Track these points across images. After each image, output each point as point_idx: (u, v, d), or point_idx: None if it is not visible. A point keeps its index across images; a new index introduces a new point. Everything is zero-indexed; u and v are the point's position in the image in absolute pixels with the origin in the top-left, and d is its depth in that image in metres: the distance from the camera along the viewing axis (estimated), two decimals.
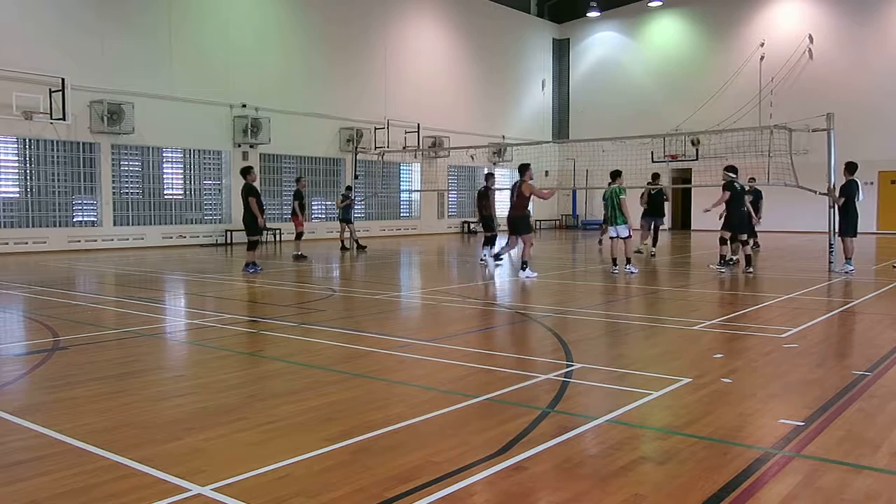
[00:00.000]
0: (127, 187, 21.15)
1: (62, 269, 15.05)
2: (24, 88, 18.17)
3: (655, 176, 18.36)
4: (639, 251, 16.88)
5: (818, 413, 4.57)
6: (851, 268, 13.10)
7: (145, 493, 3.34)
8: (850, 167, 13.24)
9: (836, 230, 13.31)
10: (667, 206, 18.23)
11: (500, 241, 15.41)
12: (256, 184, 14.09)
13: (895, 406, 4.75)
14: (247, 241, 13.91)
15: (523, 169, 12.85)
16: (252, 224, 13.59)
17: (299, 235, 17.60)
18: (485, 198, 15.73)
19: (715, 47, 31.85)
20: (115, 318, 8.96)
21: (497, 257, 14.86)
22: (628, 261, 13.29)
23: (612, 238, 13.62)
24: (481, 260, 15.19)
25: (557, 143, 33.83)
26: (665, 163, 30.11)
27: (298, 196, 17.74)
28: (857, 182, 13.21)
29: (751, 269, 13.14)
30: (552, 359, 6.21)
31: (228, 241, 22.66)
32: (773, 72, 29.80)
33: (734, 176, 13.60)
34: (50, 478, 3.54)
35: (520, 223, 13.15)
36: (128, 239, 20.85)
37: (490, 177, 16.07)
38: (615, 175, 13.70)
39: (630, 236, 13.51)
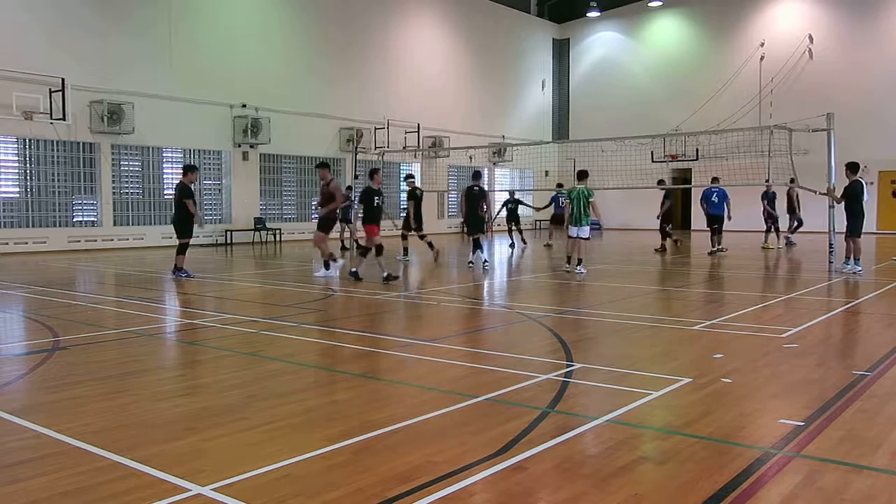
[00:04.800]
0: (127, 187, 21.14)
1: (62, 269, 15.05)
2: (24, 88, 18.15)
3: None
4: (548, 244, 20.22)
5: (818, 413, 4.57)
6: (860, 269, 12.88)
7: (145, 493, 3.34)
8: (853, 167, 13.04)
9: (845, 231, 13.11)
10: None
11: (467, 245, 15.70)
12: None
13: (895, 406, 4.75)
14: (178, 243, 12.98)
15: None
16: (186, 226, 12.87)
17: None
18: (482, 197, 15.34)
19: (715, 47, 31.83)
20: (115, 318, 8.96)
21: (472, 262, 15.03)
22: (580, 261, 13.47)
23: (571, 237, 13.72)
24: (471, 263, 15.07)
25: (557, 144, 33.82)
26: (665, 163, 30.11)
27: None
28: (861, 182, 13.02)
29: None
30: (552, 359, 6.21)
31: (228, 241, 22.67)
32: (772, 72, 29.79)
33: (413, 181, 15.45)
34: (50, 478, 3.54)
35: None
36: (128, 239, 20.84)
37: (479, 175, 16.00)
38: (582, 175, 13.78)
39: (589, 238, 13.81)
